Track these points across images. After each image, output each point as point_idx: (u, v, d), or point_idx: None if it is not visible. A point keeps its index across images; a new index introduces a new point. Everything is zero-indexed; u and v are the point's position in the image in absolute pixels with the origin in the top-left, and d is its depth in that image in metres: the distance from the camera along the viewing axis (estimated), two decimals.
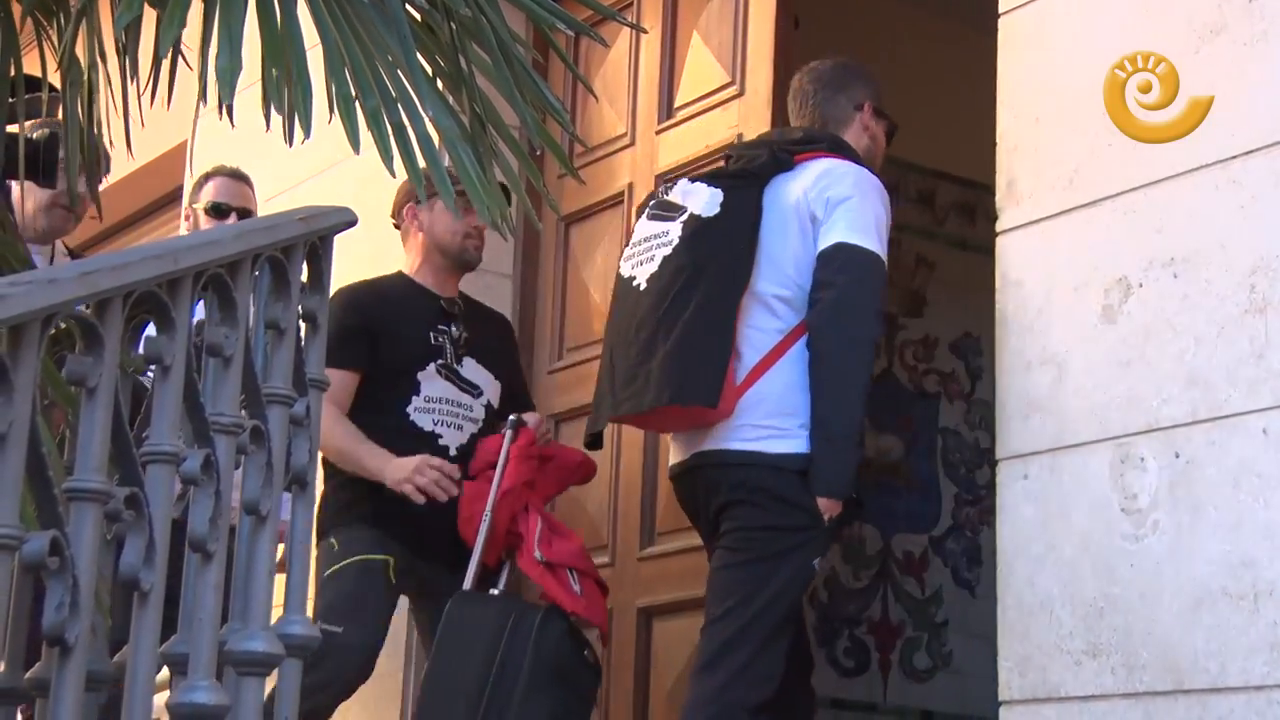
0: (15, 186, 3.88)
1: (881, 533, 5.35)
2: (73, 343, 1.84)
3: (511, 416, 3.83)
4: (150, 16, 2.22)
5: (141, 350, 2.00)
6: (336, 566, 3.72)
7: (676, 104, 4.39)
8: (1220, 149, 2.76)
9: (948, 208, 5.59)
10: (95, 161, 2.72)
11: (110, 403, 1.84)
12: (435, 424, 3.86)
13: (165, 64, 2.35)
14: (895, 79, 5.17)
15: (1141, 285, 2.84)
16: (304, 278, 2.30)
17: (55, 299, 1.75)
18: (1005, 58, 3.17)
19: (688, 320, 3.17)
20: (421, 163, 2.26)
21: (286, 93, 2.23)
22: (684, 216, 3.29)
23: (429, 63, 2.41)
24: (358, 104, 2.23)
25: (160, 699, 1.99)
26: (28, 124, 2.83)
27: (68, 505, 1.82)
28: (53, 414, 2.28)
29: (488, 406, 3.94)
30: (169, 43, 2.16)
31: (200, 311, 2.08)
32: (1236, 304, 2.69)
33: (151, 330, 1.99)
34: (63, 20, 2.60)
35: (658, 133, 4.42)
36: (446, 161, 2.34)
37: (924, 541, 5.47)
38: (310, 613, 3.76)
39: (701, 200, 3.29)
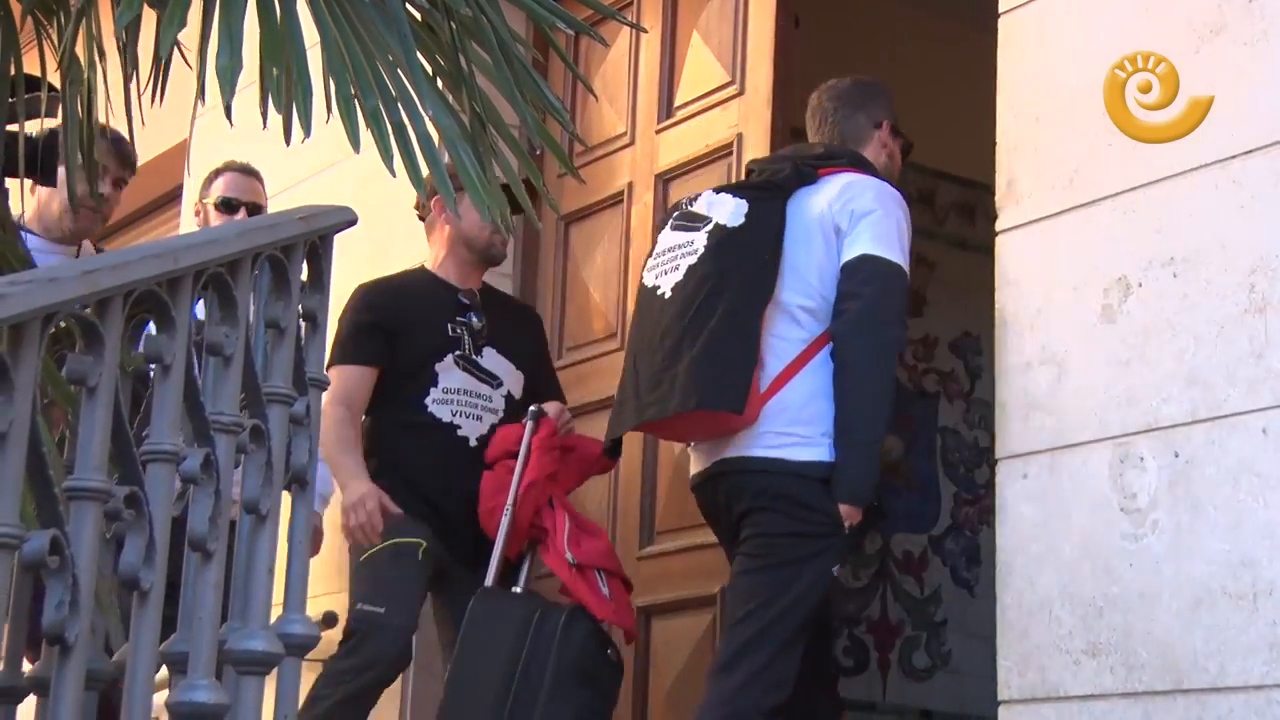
0: (42, 188, 3.90)
1: (881, 532, 5.35)
2: (73, 342, 1.84)
3: (532, 407, 3.82)
4: (150, 15, 2.22)
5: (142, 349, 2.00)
6: (371, 551, 3.73)
7: (676, 103, 4.39)
8: (1220, 149, 2.76)
9: (947, 207, 5.60)
10: (96, 160, 2.72)
11: (110, 402, 1.84)
12: (454, 415, 3.87)
13: (164, 63, 2.35)
14: (895, 79, 5.17)
15: (1141, 285, 2.84)
16: (304, 277, 2.30)
17: (55, 298, 1.75)
18: (1005, 57, 3.17)
19: (713, 328, 3.21)
20: (421, 162, 2.26)
21: (286, 92, 2.23)
22: (709, 226, 3.33)
23: (429, 62, 2.41)
24: (357, 103, 2.23)
25: (159, 697, 2.00)
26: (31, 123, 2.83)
27: (67, 504, 1.82)
28: (52, 413, 2.28)
29: (508, 397, 3.94)
30: (169, 42, 2.16)
31: (200, 311, 2.08)
32: (1236, 303, 2.69)
33: (152, 329, 1.99)
34: (62, 19, 2.60)
35: (658, 132, 4.42)
36: (446, 161, 2.34)
37: (923, 541, 5.48)
38: (347, 599, 3.81)
39: (727, 210, 3.33)
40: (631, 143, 4.49)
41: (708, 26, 4.31)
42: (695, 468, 3.45)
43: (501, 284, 4.58)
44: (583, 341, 4.45)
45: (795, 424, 3.23)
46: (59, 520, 1.78)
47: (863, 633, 5.30)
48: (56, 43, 2.60)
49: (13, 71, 2.57)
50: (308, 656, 2.37)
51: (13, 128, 2.77)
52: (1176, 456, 2.73)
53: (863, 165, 3.45)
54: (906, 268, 3.30)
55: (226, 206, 4.07)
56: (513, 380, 3.97)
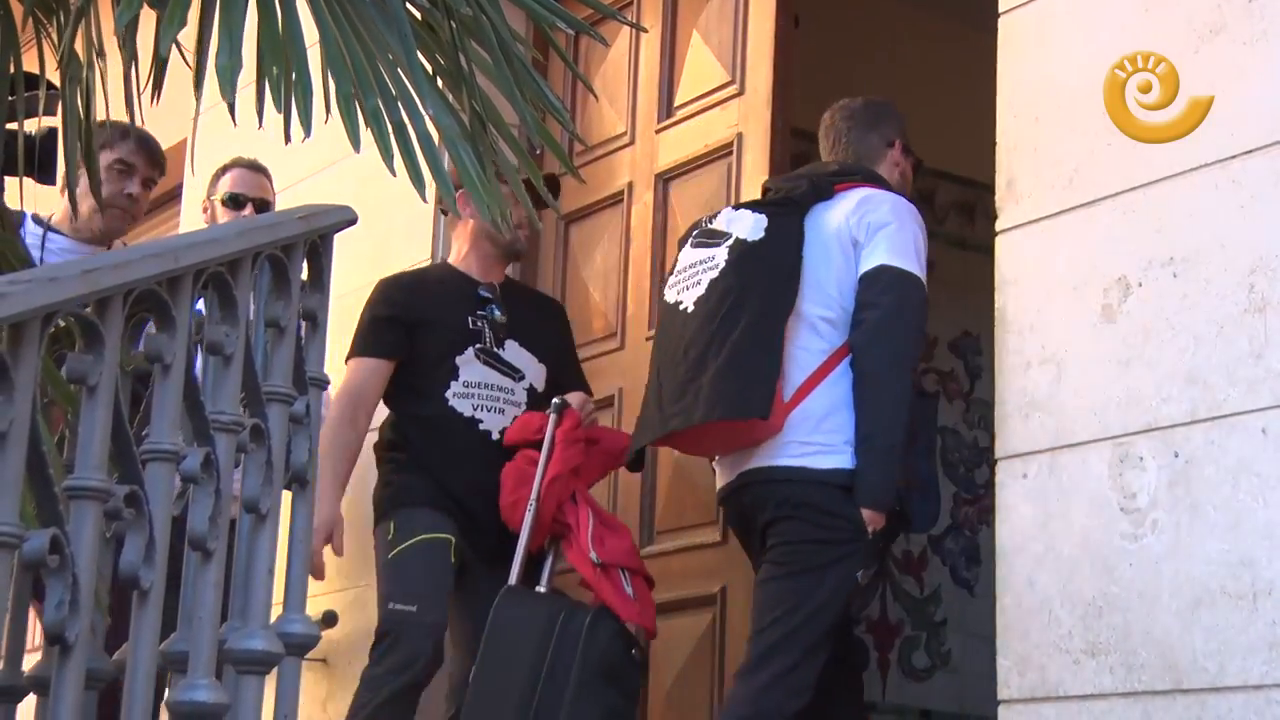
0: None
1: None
2: (72, 341, 1.84)
3: (555, 399, 3.81)
4: (151, 15, 2.22)
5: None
6: (400, 548, 3.73)
7: (676, 103, 4.39)
8: (1220, 148, 2.76)
9: (947, 207, 5.60)
10: (96, 158, 2.72)
11: (110, 401, 1.84)
12: (475, 409, 3.87)
13: (164, 62, 2.35)
14: (895, 78, 5.19)
15: (1141, 285, 2.84)
16: (304, 276, 2.30)
17: (56, 297, 1.75)
18: (1005, 57, 3.17)
19: (737, 339, 3.26)
20: (422, 161, 2.26)
21: (286, 91, 2.23)
22: (729, 241, 3.39)
23: (429, 61, 2.41)
24: (357, 102, 2.23)
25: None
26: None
27: (67, 503, 1.82)
28: (51, 412, 2.28)
29: (530, 389, 3.94)
30: (169, 41, 2.16)
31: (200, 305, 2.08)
32: (1236, 303, 2.69)
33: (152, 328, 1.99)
34: (62, 19, 2.60)
35: (657, 132, 4.42)
36: (446, 160, 2.35)
37: (923, 541, 5.48)
38: (377, 597, 3.78)
39: (746, 225, 3.39)
40: (631, 142, 4.49)
41: (708, 26, 4.31)
42: (721, 480, 3.50)
43: None
44: (582, 341, 4.44)
45: (818, 433, 3.29)
46: (59, 519, 1.78)
47: (862, 632, 5.30)
48: (56, 42, 2.60)
49: (12, 70, 2.57)
50: (307, 656, 2.37)
51: (12, 126, 2.77)
52: (1176, 456, 2.73)
53: (877, 181, 3.53)
54: (923, 278, 3.37)
55: (233, 203, 4.07)
56: (535, 373, 3.96)
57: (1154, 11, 2.92)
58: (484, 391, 3.88)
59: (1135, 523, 2.77)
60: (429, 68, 2.39)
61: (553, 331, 4.10)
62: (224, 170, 4.15)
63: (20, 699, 2.08)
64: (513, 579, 3.63)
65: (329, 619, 4.26)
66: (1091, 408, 2.87)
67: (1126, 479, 2.79)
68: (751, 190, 4.06)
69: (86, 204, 3.85)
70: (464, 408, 3.86)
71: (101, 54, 2.55)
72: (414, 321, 3.89)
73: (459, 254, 4.04)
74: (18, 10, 2.53)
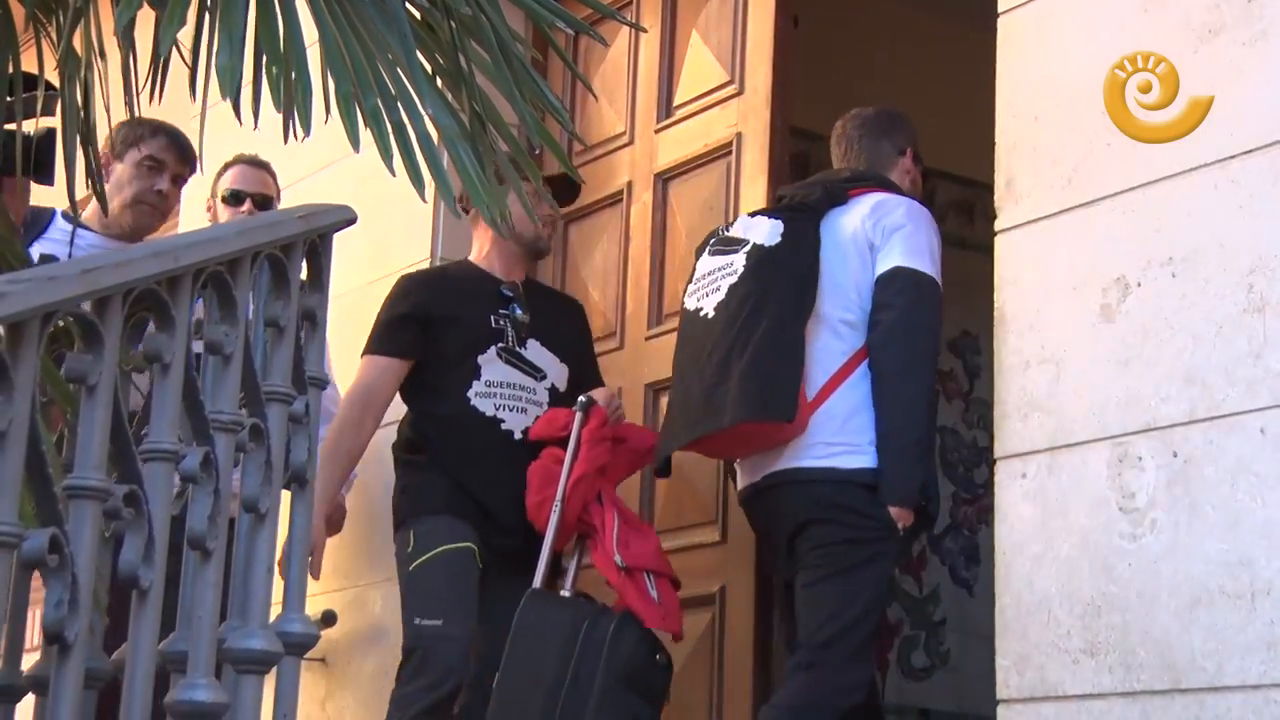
0: (105, 183, 3.89)
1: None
2: (71, 341, 1.84)
3: (581, 397, 3.78)
4: (148, 13, 2.22)
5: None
6: (421, 560, 3.69)
7: (676, 103, 4.39)
8: (1219, 148, 2.76)
9: (946, 206, 5.60)
10: (97, 156, 2.72)
11: (110, 401, 1.84)
12: (497, 408, 3.83)
13: (164, 61, 2.35)
14: (894, 78, 5.19)
15: (1140, 284, 2.84)
16: (303, 275, 2.30)
17: (55, 296, 1.75)
18: (1004, 57, 3.17)
19: (758, 342, 3.30)
20: (421, 161, 2.26)
21: (285, 90, 2.23)
22: (747, 248, 3.44)
23: (429, 61, 2.41)
24: (357, 102, 2.23)
25: None
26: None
27: (67, 503, 1.82)
28: (50, 411, 2.28)
29: (552, 389, 3.90)
30: (169, 41, 2.16)
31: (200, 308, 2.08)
32: (1235, 303, 2.69)
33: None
34: (61, 18, 2.60)
35: (657, 131, 4.42)
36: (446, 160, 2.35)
37: (922, 540, 5.46)
38: (401, 611, 3.74)
39: (763, 231, 3.44)
40: (631, 142, 4.49)
41: (707, 26, 4.31)
42: (745, 481, 3.53)
43: None
44: None
45: (843, 433, 3.34)
46: (58, 519, 1.78)
47: None
48: (56, 42, 2.60)
49: (11, 70, 2.57)
50: (306, 655, 2.37)
51: (10, 127, 2.76)
52: (1175, 456, 2.73)
53: (890, 186, 3.58)
54: (938, 279, 3.42)
55: (234, 199, 4.06)
56: (557, 373, 3.93)
57: (1152, 11, 2.92)
58: (506, 391, 3.84)
59: (1134, 522, 2.77)
60: (428, 67, 2.39)
61: (574, 331, 4.06)
62: (226, 168, 4.14)
63: (19, 698, 2.08)
64: (537, 581, 3.60)
65: (328, 618, 4.26)
66: (1090, 407, 2.87)
67: (1125, 479, 2.80)
68: (751, 190, 4.07)
69: (116, 200, 3.85)
70: (486, 407, 3.82)
71: (102, 54, 2.55)
72: (433, 320, 3.85)
73: (480, 252, 4.00)
74: (18, 12, 2.53)
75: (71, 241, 3.76)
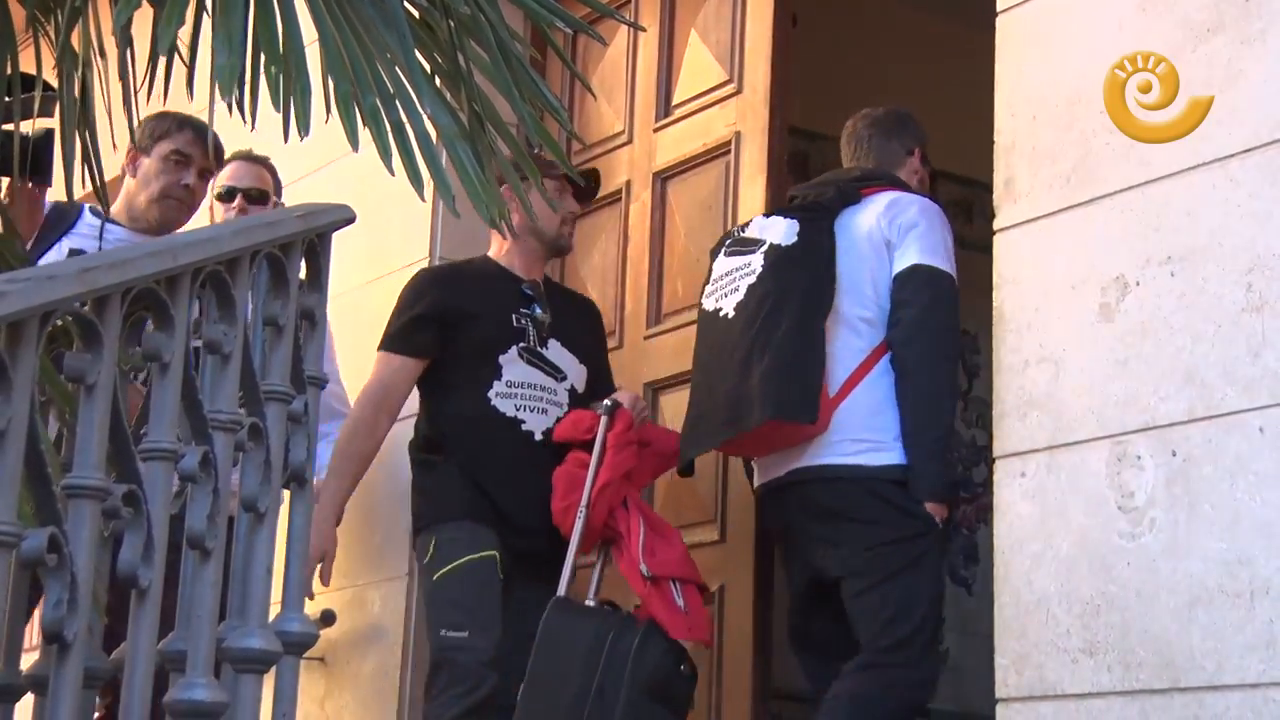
0: (130, 179, 3.88)
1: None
2: (69, 340, 1.84)
3: (607, 400, 3.74)
4: (149, 14, 2.22)
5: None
6: (445, 570, 3.64)
7: (674, 101, 4.39)
8: (1218, 147, 2.76)
9: (945, 206, 5.58)
10: (96, 155, 2.71)
11: (109, 400, 1.84)
12: (518, 409, 3.77)
13: (164, 61, 2.35)
14: (893, 77, 5.19)
15: (1139, 283, 2.84)
16: (302, 275, 2.31)
17: (54, 296, 1.75)
18: (1003, 56, 3.17)
19: (780, 342, 3.32)
20: (420, 161, 2.26)
21: (285, 90, 2.23)
22: (764, 248, 3.46)
23: (427, 60, 2.41)
24: (356, 102, 2.23)
25: None
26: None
27: (65, 502, 1.82)
28: (47, 411, 2.28)
29: (571, 390, 3.85)
30: (168, 41, 2.16)
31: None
32: (1233, 302, 2.69)
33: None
34: (60, 17, 2.60)
35: (655, 130, 4.42)
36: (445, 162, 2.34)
37: None
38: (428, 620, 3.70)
39: (780, 231, 3.46)
40: (629, 141, 4.49)
41: (706, 25, 4.31)
42: (763, 477, 3.54)
43: None
44: None
45: (867, 430, 3.36)
46: (57, 518, 1.78)
47: None
48: (54, 41, 2.60)
49: (9, 71, 2.57)
50: (305, 654, 2.37)
51: (8, 127, 2.76)
52: (1174, 455, 2.73)
53: (900, 185, 3.62)
54: (955, 275, 3.45)
55: (226, 195, 4.05)
56: (576, 374, 3.88)
57: (1151, 10, 2.92)
58: (527, 391, 3.79)
59: (1133, 521, 2.77)
60: (427, 67, 2.39)
61: (591, 332, 4.03)
62: (223, 165, 4.14)
63: (18, 698, 2.08)
64: (562, 589, 3.57)
65: (327, 618, 4.26)
66: (1089, 406, 2.87)
67: (1124, 478, 2.80)
68: (750, 189, 4.07)
69: (144, 195, 3.84)
70: (506, 407, 3.76)
71: (102, 53, 2.55)
72: (454, 317, 3.80)
73: (500, 249, 3.94)
74: (17, 13, 2.53)
75: (100, 236, 3.75)
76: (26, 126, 2.90)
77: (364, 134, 2.21)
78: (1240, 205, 2.72)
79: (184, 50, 2.34)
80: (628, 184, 4.44)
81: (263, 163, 4.10)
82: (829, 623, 3.47)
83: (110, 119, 2.62)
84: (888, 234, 3.46)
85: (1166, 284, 2.80)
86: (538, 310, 3.87)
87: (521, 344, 3.81)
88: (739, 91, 4.16)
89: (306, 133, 2.21)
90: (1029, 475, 2.95)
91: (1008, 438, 3.02)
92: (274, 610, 2.23)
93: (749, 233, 3.54)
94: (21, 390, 1.71)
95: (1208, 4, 2.82)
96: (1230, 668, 2.59)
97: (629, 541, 3.58)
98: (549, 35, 2.69)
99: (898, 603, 3.31)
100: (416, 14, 2.41)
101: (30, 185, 3.49)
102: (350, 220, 2.40)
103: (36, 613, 2.03)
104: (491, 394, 3.76)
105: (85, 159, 2.62)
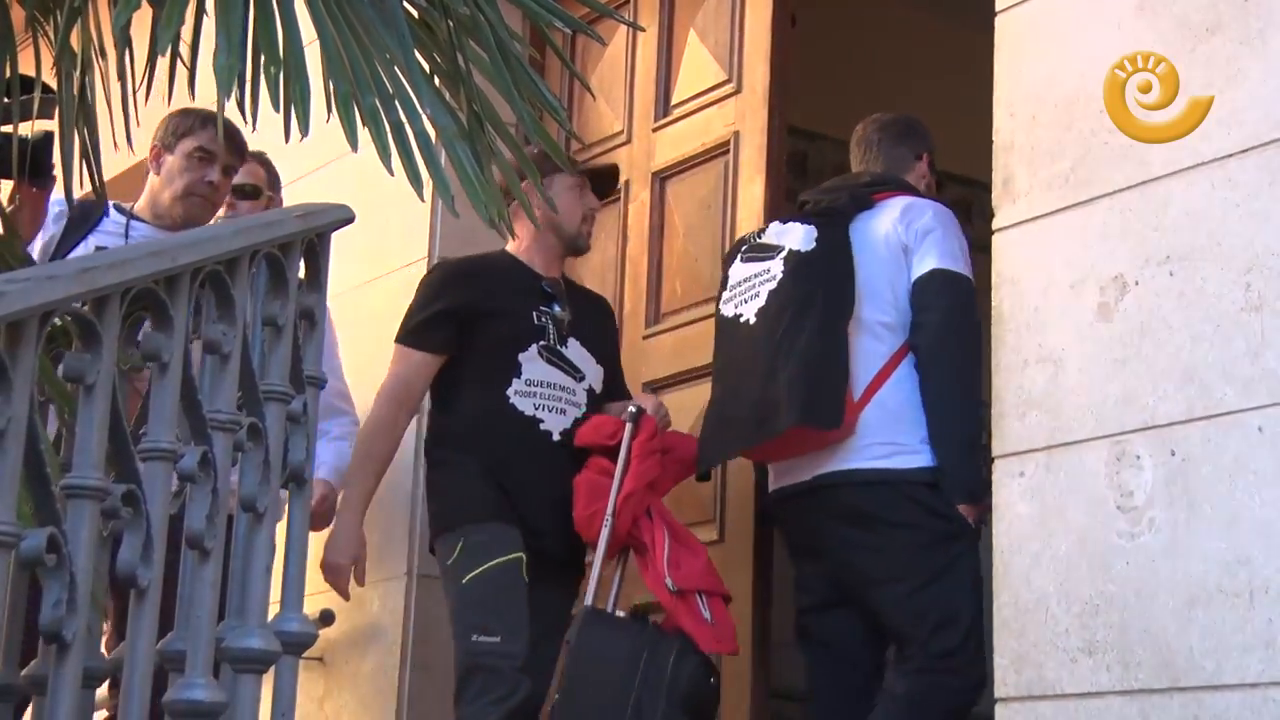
0: (154, 176, 3.88)
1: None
2: (68, 340, 1.84)
3: (631, 407, 3.69)
4: (146, 12, 2.22)
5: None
6: (474, 574, 3.58)
7: (673, 101, 4.39)
8: (1216, 147, 2.76)
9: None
10: (95, 153, 2.71)
11: (108, 400, 1.84)
12: (537, 408, 3.71)
13: (164, 60, 2.35)
14: (891, 77, 5.19)
15: (1138, 283, 2.84)
16: (301, 275, 2.31)
17: (53, 296, 1.75)
18: (1002, 56, 3.17)
19: (803, 347, 3.33)
20: (419, 161, 2.26)
21: (284, 90, 2.23)
22: (783, 254, 3.47)
23: (427, 60, 2.41)
24: (355, 102, 2.23)
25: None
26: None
27: (65, 502, 1.82)
28: (46, 411, 2.28)
29: (589, 390, 3.80)
30: (167, 41, 2.16)
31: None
32: (1233, 302, 2.70)
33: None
34: (59, 18, 2.60)
35: (654, 130, 4.42)
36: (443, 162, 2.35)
37: None
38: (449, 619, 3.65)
39: (798, 237, 3.47)
40: (628, 141, 4.49)
41: (705, 25, 4.32)
42: (783, 481, 3.53)
43: None
44: None
45: (892, 434, 3.37)
46: (56, 518, 1.78)
47: None
48: (53, 42, 2.60)
49: (8, 73, 2.57)
50: (304, 654, 2.38)
51: (7, 129, 2.76)
52: (1173, 455, 2.74)
53: (910, 190, 3.63)
54: (972, 279, 3.46)
55: None
56: (594, 374, 3.83)
57: (1149, 10, 2.92)
58: (546, 390, 3.74)
59: (1132, 521, 2.77)
60: (426, 67, 2.39)
61: (607, 332, 3.99)
62: (245, 161, 4.12)
63: (18, 698, 2.09)
64: (589, 599, 3.54)
65: (326, 618, 4.26)
66: (1088, 406, 2.88)
67: (1123, 477, 2.80)
68: (749, 189, 4.07)
69: (168, 192, 3.84)
70: (525, 406, 3.70)
71: (102, 53, 2.55)
72: (474, 314, 3.74)
73: (519, 244, 3.87)
74: (17, 14, 2.53)
75: (126, 234, 3.75)
76: (25, 128, 2.90)
77: (363, 134, 2.21)
78: (1239, 205, 2.72)
79: (184, 50, 2.34)
80: (627, 184, 4.44)
81: (257, 158, 4.09)
82: (842, 622, 3.47)
83: (111, 119, 2.62)
84: (905, 239, 3.47)
85: (1165, 284, 2.80)
86: (558, 308, 3.82)
87: (542, 342, 3.76)
88: (738, 91, 4.16)
89: (306, 133, 2.21)
90: (1028, 475, 2.96)
91: (1006, 437, 3.02)
92: (273, 610, 2.24)
93: (766, 238, 3.54)
94: (21, 390, 1.71)
95: (1207, 4, 2.82)
96: (1229, 667, 2.59)
97: (654, 554, 3.54)
98: (548, 35, 2.69)
99: (942, 609, 3.30)
100: (416, 14, 2.41)
101: (31, 188, 3.48)
102: (349, 220, 2.40)
103: None
104: (510, 392, 3.71)
105: (84, 158, 2.62)
